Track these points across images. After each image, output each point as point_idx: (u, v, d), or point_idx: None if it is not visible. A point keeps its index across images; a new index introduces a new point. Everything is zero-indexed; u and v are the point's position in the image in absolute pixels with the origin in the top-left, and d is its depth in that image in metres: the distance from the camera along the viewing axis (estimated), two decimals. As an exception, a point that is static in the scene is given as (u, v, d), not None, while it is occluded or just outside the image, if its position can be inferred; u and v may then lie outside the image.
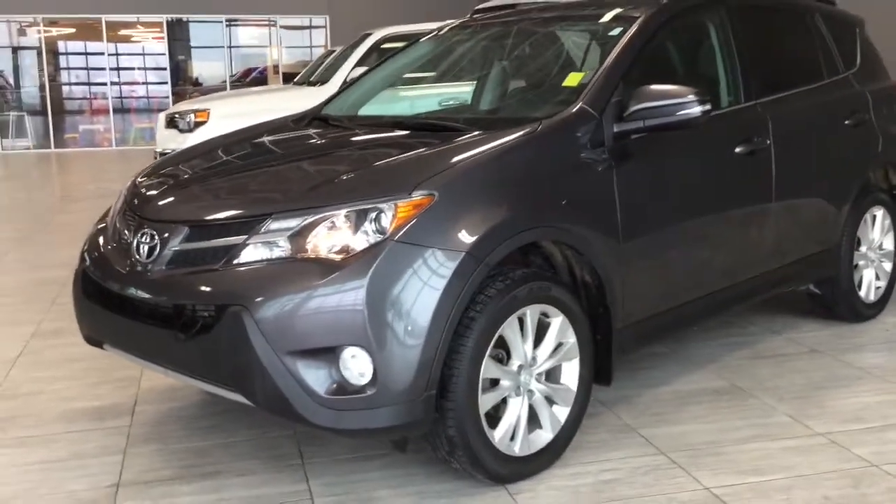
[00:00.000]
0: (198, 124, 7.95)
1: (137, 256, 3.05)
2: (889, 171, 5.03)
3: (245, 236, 2.83)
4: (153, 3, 18.59)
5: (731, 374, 4.10)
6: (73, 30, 19.74)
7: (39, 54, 19.03)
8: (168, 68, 19.64)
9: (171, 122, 8.32)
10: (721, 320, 4.91)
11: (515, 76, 4.10)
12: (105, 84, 19.49)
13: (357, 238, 2.75)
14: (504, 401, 3.05)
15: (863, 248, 4.75)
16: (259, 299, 2.69)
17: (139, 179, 3.54)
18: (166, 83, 19.69)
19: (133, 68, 20.24)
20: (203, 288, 2.83)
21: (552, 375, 3.20)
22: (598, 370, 3.35)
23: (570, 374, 3.22)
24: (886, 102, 4.85)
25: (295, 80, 11.34)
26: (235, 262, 2.81)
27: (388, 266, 2.69)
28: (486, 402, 2.94)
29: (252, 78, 21.14)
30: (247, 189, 3.18)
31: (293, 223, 2.80)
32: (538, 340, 3.12)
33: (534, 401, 3.12)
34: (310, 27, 19.97)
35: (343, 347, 2.70)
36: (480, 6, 4.66)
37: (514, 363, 3.04)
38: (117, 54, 20.04)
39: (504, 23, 4.37)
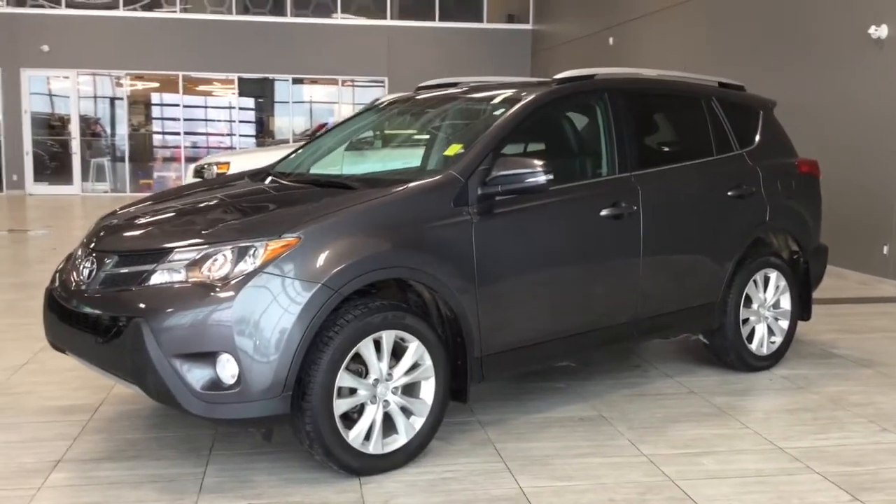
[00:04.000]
0: (220, 175, 8.92)
1: (81, 278, 3.89)
2: (789, 238, 5.61)
3: (155, 264, 3.64)
4: (226, 62, 20.03)
5: (605, 406, 4.72)
6: (156, 84, 21.23)
7: (123, 106, 20.59)
8: (237, 121, 21.01)
9: (199, 173, 9.34)
10: (630, 363, 5.56)
11: (420, 144, 4.87)
12: (179, 134, 20.94)
13: (236, 269, 3.53)
14: (363, 407, 3.77)
15: (753, 306, 5.32)
16: (154, 313, 3.48)
17: (101, 218, 4.41)
18: (234, 135, 21.04)
19: (207, 120, 21.61)
20: (119, 303, 3.64)
21: (412, 390, 3.90)
22: (458, 390, 4.05)
23: (427, 390, 3.92)
24: (781, 177, 5.44)
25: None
26: (145, 284, 3.62)
27: (254, 291, 3.47)
28: (341, 406, 3.66)
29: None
30: (166, 227, 4.00)
31: (191, 255, 3.60)
32: (398, 360, 3.84)
33: (390, 410, 3.82)
34: (384, 85, 20.99)
35: (219, 353, 3.47)
36: (423, 84, 5.46)
37: (371, 377, 3.76)
38: (206, 107, 21.46)
39: (432, 99, 5.16)
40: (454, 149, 4.27)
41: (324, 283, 3.54)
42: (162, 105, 21.34)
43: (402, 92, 6.64)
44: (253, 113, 21.76)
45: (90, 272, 3.86)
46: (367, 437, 3.76)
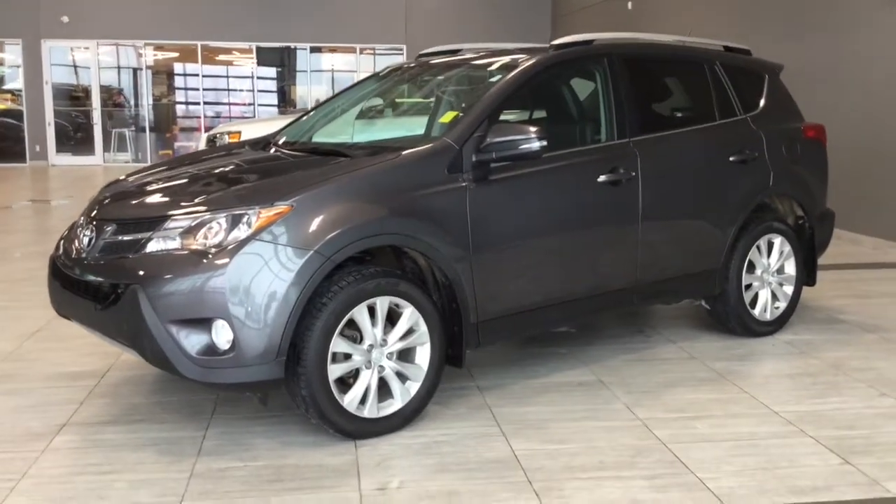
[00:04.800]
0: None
1: (81, 246, 3.96)
2: (793, 203, 5.59)
3: (151, 232, 3.70)
4: (244, 32, 20.03)
5: (605, 371, 4.75)
6: (176, 54, 21.28)
7: (143, 76, 20.69)
8: (256, 90, 21.07)
9: (211, 141, 9.40)
10: (634, 329, 5.58)
11: (420, 112, 4.89)
12: (199, 104, 21.04)
13: (230, 236, 3.58)
14: (358, 372, 3.82)
15: (757, 271, 5.31)
16: (150, 280, 3.55)
17: (104, 186, 4.48)
18: (254, 104, 21.12)
19: (227, 90, 21.66)
20: (117, 270, 3.71)
21: (407, 355, 3.95)
22: (454, 355, 4.10)
23: (423, 356, 3.97)
24: (785, 142, 5.41)
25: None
26: (142, 251, 3.68)
27: (247, 258, 3.51)
28: (335, 371, 3.71)
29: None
30: (163, 195, 4.05)
31: (185, 223, 3.66)
32: (394, 326, 3.88)
33: (385, 375, 3.87)
34: (403, 53, 20.92)
35: (214, 319, 3.53)
36: (425, 51, 5.46)
37: (366, 342, 3.81)
38: (225, 77, 21.51)
39: (432, 66, 5.17)
40: (449, 116, 4.29)
41: (315, 250, 3.58)
42: (181, 75, 21.40)
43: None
44: (272, 82, 21.75)
45: (90, 240, 3.93)
46: (363, 401, 3.82)
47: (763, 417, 4.11)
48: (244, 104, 21.38)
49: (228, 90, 21.61)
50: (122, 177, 4.68)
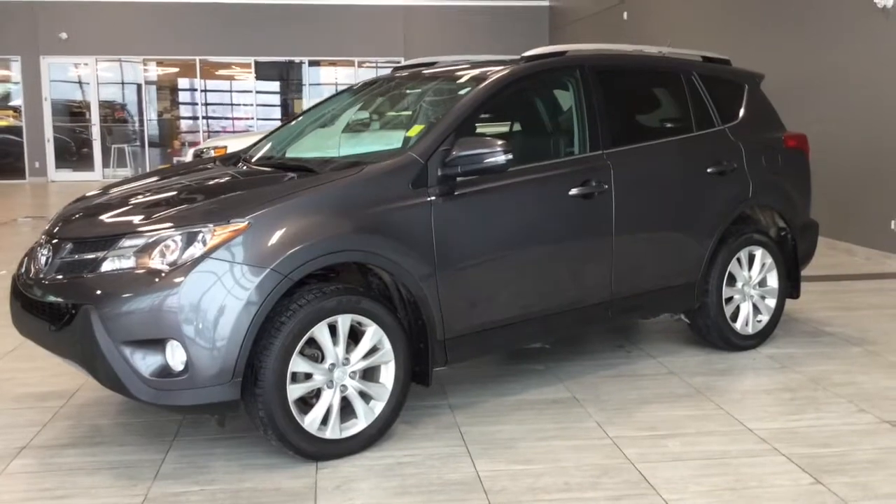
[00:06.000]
0: (217, 159, 8.95)
1: (39, 265, 3.89)
2: (775, 215, 5.49)
3: (106, 251, 3.63)
4: (243, 46, 20.03)
5: (580, 388, 4.66)
6: (175, 69, 21.28)
7: (142, 92, 20.69)
8: (254, 105, 21.06)
9: (198, 156, 9.37)
10: (614, 344, 5.49)
11: (390, 126, 4.82)
12: (197, 118, 21.04)
13: (184, 255, 3.51)
14: (320, 391, 3.74)
15: (738, 284, 5.22)
16: (102, 299, 3.48)
17: (68, 205, 4.41)
18: (253, 118, 21.11)
19: (226, 105, 21.65)
20: (71, 290, 3.64)
21: (371, 374, 3.87)
22: (422, 373, 4.02)
23: (387, 374, 3.88)
24: (766, 152, 5.32)
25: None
26: (97, 271, 3.61)
27: (201, 277, 3.44)
28: (295, 391, 3.63)
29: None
30: (119, 213, 3.97)
31: (140, 242, 3.59)
32: (357, 344, 3.80)
33: (348, 394, 3.79)
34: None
35: (168, 339, 3.46)
36: (400, 65, 5.39)
37: (327, 362, 3.72)
38: (224, 91, 21.50)
39: (406, 79, 5.10)
40: (416, 129, 4.22)
41: (272, 268, 3.51)
42: (181, 90, 21.40)
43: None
44: (273, 96, 21.72)
45: (47, 259, 3.87)
46: (325, 421, 3.73)
47: (736, 435, 4.01)
48: (245, 118, 21.36)
49: (232, 105, 21.60)
50: (88, 193, 4.61)
